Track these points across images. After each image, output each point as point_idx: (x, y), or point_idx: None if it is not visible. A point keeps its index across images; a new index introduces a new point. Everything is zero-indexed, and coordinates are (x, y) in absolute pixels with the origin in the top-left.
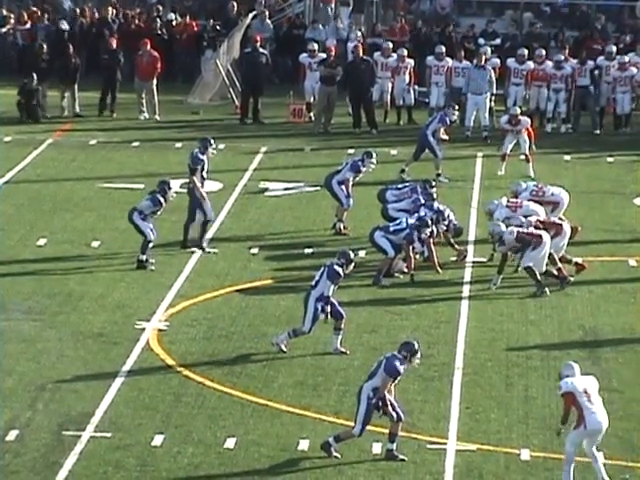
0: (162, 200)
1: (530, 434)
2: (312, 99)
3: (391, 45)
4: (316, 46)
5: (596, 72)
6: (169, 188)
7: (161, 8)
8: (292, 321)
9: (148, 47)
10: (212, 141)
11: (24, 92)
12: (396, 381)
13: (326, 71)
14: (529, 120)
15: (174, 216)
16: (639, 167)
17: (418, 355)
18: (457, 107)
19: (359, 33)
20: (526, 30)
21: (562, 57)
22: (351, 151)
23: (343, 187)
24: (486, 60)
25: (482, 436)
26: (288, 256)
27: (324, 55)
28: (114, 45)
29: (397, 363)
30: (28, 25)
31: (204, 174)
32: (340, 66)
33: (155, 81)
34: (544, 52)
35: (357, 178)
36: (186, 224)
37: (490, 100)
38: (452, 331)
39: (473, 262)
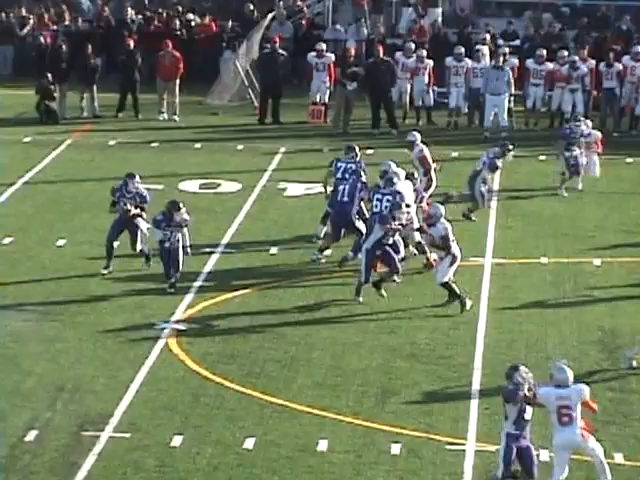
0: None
1: (549, 435)
2: (317, 99)
3: (413, 46)
4: (324, 46)
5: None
6: (177, 209)
7: (180, 9)
8: (311, 322)
9: (169, 47)
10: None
11: (40, 91)
12: None
13: (349, 72)
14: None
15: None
16: None
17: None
18: (511, 147)
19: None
20: (545, 31)
21: (577, 58)
22: (370, 152)
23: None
24: (504, 61)
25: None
26: (307, 257)
27: (332, 56)
28: (132, 45)
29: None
30: (48, 26)
31: None
32: (360, 67)
33: (177, 82)
34: (566, 53)
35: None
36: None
37: (509, 101)
38: (471, 332)
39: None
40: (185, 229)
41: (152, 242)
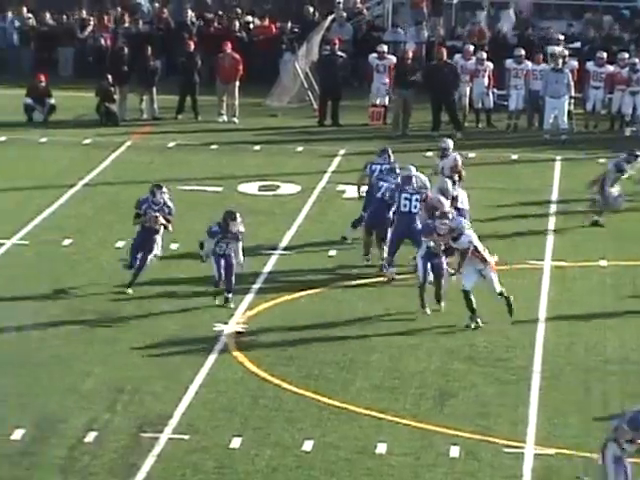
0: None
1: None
2: (377, 101)
3: (472, 48)
4: (385, 48)
5: None
6: (234, 219)
7: (239, 11)
8: (370, 324)
9: (229, 49)
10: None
11: (100, 93)
12: None
13: (406, 79)
14: None
15: (248, 218)
16: None
17: None
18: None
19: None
20: (605, 33)
21: (637, 60)
22: (429, 154)
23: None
24: (564, 63)
25: (560, 440)
26: (357, 259)
27: (393, 58)
28: (191, 48)
29: None
30: (108, 28)
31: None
32: (419, 70)
33: (237, 83)
34: (626, 55)
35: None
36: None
37: (569, 103)
38: (530, 335)
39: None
40: (240, 243)
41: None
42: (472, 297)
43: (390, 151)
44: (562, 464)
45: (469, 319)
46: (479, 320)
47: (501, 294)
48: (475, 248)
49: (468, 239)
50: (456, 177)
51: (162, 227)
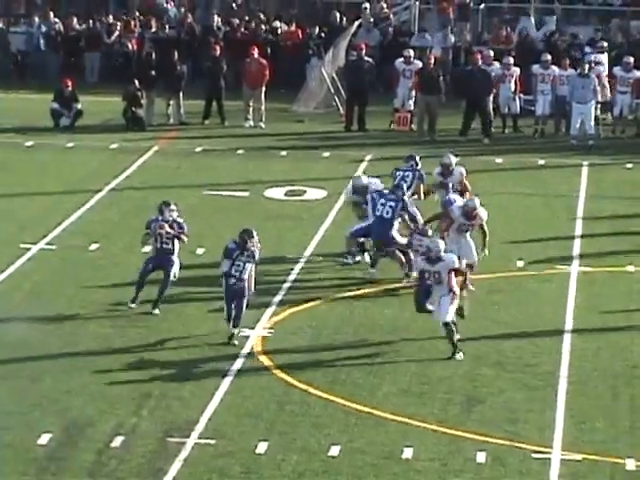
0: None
1: (636, 444)
2: (402, 105)
3: (492, 53)
4: (412, 52)
5: None
6: (251, 237)
7: (264, 16)
8: (397, 329)
9: (256, 54)
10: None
11: (127, 98)
12: None
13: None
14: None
15: (275, 223)
16: None
17: None
18: None
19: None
20: (633, 38)
21: None
22: (452, 155)
23: None
24: (590, 68)
25: (587, 446)
26: (392, 264)
27: (419, 63)
28: (217, 53)
29: None
30: (136, 33)
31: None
32: (441, 75)
33: (264, 88)
34: None
35: None
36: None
37: (595, 109)
38: (557, 340)
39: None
40: (254, 265)
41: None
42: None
43: (417, 158)
44: (589, 470)
45: (453, 351)
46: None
47: (447, 324)
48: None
49: (450, 261)
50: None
51: (175, 243)
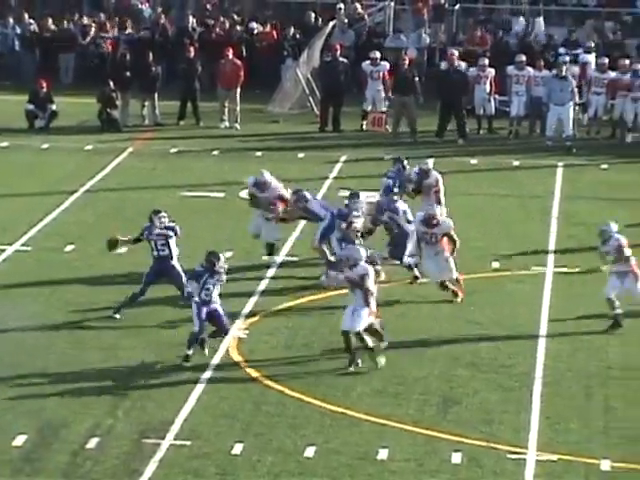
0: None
1: (610, 444)
2: (372, 107)
3: (457, 52)
4: (378, 54)
5: None
6: (218, 258)
7: (239, 17)
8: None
9: (231, 55)
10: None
11: (102, 99)
12: None
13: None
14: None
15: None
16: None
17: None
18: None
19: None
20: (607, 39)
21: (639, 66)
22: (430, 160)
23: None
24: (567, 70)
25: (562, 446)
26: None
27: (386, 64)
28: (192, 54)
29: None
30: (110, 34)
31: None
32: (417, 75)
33: (239, 89)
34: (627, 61)
35: None
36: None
37: (573, 110)
38: (532, 341)
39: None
40: (219, 286)
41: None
42: (352, 338)
43: (404, 162)
44: (564, 470)
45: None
46: (359, 362)
47: (362, 340)
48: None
49: (363, 271)
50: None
51: (172, 247)
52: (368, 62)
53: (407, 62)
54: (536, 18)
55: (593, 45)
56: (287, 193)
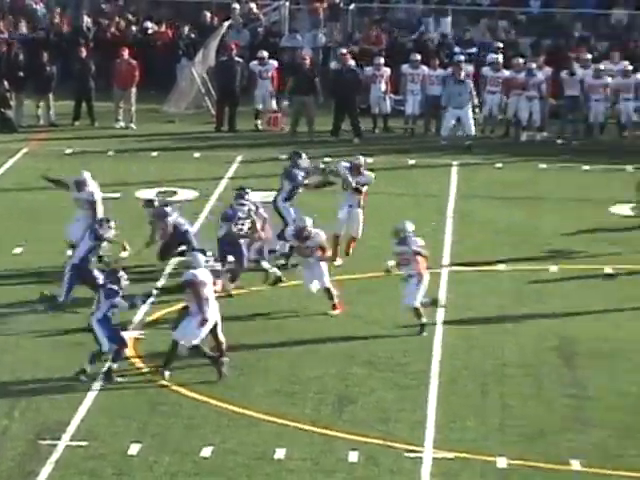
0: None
1: (506, 442)
2: (263, 107)
3: (345, 51)
4: (265, 53)
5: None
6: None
7: (134, 17)
8: (268, 330)
9: (126, 55)
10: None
11: None
12: None
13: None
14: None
15: (146, 225)
16: (614, 175)
17: None
18: None
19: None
20: (502, 38)
21: (534, 65)
22: (327, 159)
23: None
24: (460, 69)
25: (459, 444)
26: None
27: (275, 62)
28: (84, 54)
29: None
30: (5, 34)
31: None
32: (317, 75)
33: (134, 89)
34: (521, 60)
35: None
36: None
37: (473, 112)
38: (428, 339)
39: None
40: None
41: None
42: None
43: (303, 155)
44: (461, 468)
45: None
46: (167, 374)
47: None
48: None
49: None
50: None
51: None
52: (256, 62)
53: (308, 62)
54: (442, 18)
55: (501, 45)
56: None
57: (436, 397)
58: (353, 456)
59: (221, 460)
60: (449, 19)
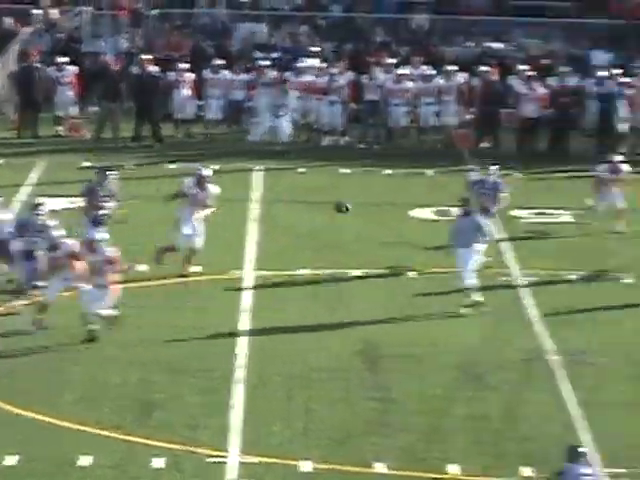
0: None
1: (310, 445)
2: (65, 113)
3: (148, 58)
4: (63, 59)
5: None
6: None
7: None
8: (74, 336)
9: None
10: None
11: None
12: None
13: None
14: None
15: None
16: (414, 179)
17: None
18: None
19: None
20: (304, 43)
21: (335, 70)
22: (132, 167)
23: None
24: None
25: (265, 448)
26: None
27: (74, 68)
28: None
29: None
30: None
31: None
32: (122, 81)
33: None
34: (324, 65)
35: None
36: None
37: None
38: (234, 344)
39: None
40: None
41: None
42: None
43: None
44: (265, 472)
45: None
46: None
47: None
48: None
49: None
50: None
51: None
52: (53, 67)
53: (117, 68)
54: (256, 24)
55: (317, 50)
56: None
57: (242, 402)
58: (157, 462)
59: (26, 468)
60: (263, 25)
